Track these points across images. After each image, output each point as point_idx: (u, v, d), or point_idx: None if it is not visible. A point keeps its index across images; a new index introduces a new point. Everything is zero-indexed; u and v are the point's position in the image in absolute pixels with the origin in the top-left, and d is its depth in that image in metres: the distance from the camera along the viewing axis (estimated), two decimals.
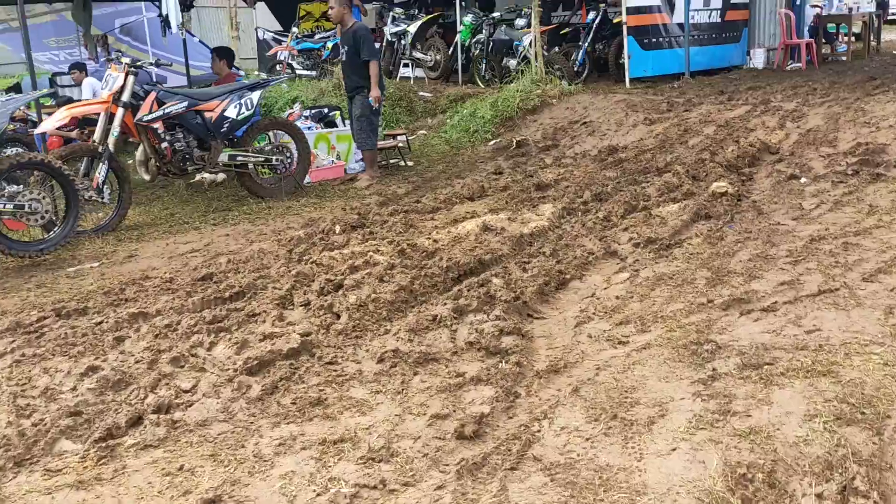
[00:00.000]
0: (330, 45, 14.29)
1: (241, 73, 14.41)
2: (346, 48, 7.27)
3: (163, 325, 3.84)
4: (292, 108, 8.28)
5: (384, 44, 13.31)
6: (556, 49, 11.90)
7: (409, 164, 8.18)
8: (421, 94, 11.40)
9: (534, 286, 4.10)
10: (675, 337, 3.46)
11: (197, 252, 5.39)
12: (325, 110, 8.33)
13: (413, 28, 12.58)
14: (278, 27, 16.43)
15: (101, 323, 3.96)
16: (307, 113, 8.29)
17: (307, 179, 7.34)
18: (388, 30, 13.03)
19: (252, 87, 6.62)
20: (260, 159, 6.74)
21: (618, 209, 5.57)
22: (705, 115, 8.19)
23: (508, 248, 4.85)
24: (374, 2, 13.60)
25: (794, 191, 5.84)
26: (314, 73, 13.71)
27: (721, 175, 6.24)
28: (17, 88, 10.50)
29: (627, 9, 10.80)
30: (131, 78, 5.88)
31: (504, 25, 12.40)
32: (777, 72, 11.73)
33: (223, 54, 8.09)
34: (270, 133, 6.99)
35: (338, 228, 5.49)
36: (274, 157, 6.79)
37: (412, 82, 12.76)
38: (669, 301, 3.90)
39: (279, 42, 15.43)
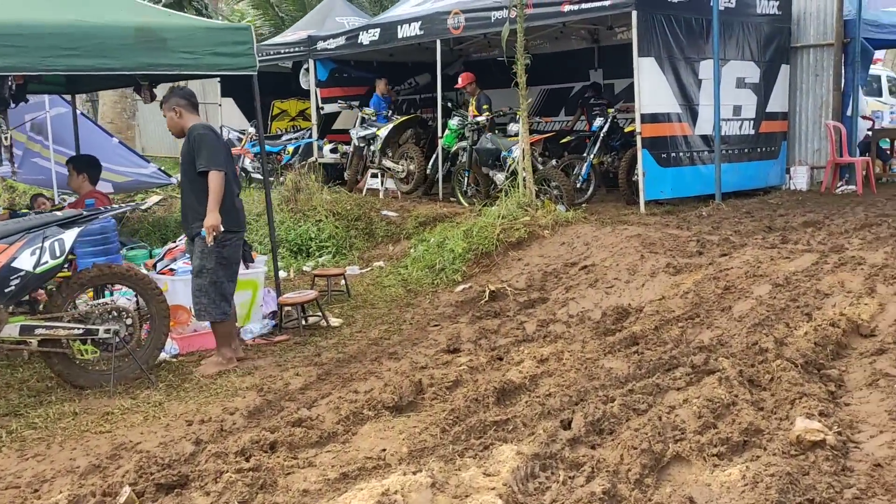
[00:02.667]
0: (291, 147, 12.29)
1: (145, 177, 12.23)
2: (181, 163, 5.05)
3: None
4: (176, 242, 5.99)
5: (351, 149, 11.25)
6: (555, 162, 9.74)
7: (336, 323, 5.82)
8: (384, 212, 9.20)
9: None
10: None
11: None
12: None
13: (384, 132, 10.50)
14: (249, 126, 14.39)
15: None
16: None
17: (169, 349, 4.98)
18: (355, 133, 10.97)
19: (66, 223, 4.34)
20: (77, 332, 4.39)
21: (630, 464, 3.14)
22: (752, 264, 5.83)
23: None
24: (339, 101, 11.62)
25: None
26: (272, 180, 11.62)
27: (797, 384, 3.82)
28: None
29: (642, 116, 8.68)
30: None
31: (495, 131, 10.34)
32: (827, 196, 9.48)
33: (82, 166, 5.91)
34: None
35: (124, 496, 3.06)
36: (102, 328, 4.44)
37: (382, 196, 10.61)
38: None
39: None
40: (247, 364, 4.91)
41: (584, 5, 8.75)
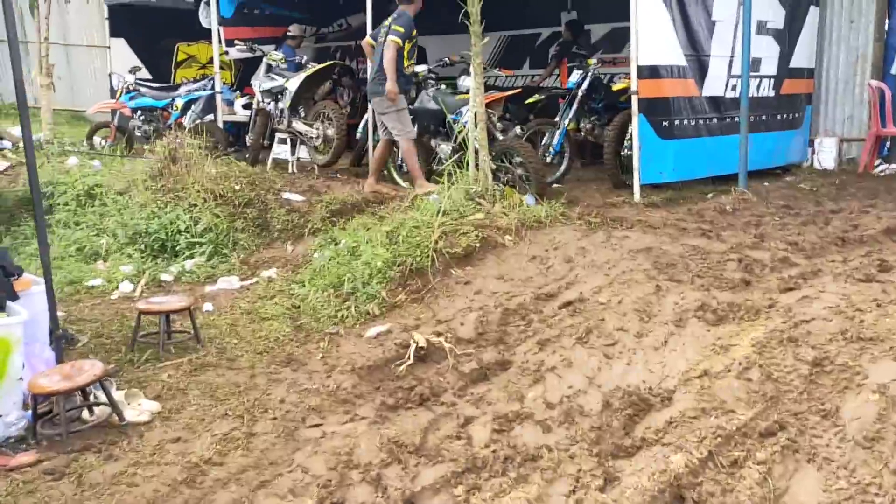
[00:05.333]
0: (181, 101, 9.61)
1: None
2: None
3: None
4: None
5: (254, 107, 8.63)
6: (519, 130, 7.31)
7: (144, 415, 3.36)
8: (286, 195, 6.71)
9: None
10: None
11: None
12: None
13: (293, 84, 7.91)
14: (146, 74, 11.59)
15: None
16: None
17: None
18: (258, 85, 8.35)
19: None
20: None
21: None
22: (847, 313, 3.53)
23: None
24: (237, 43, 8.98)
25: None
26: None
27: None
28: None
29: (639, 69, 6.31)
30: None
31: (441, 86, 7.87)
32: (870, 179, 7.30)
33: None
34: None
35: None
36: None
37: (292, 170, 8.09)
38: None
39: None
40: None
41: None
